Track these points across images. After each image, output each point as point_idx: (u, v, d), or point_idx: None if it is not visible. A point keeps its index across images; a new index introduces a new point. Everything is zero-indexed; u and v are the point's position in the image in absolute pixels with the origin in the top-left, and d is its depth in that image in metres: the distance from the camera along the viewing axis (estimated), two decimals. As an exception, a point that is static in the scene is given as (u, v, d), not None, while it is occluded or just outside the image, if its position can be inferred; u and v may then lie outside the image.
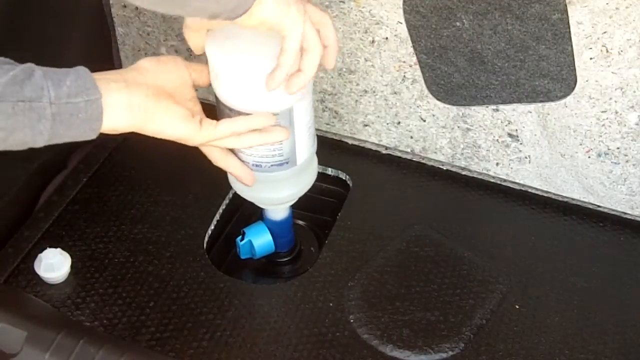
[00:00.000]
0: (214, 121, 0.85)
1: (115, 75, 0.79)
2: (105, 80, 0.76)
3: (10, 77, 0.69)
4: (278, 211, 1.06)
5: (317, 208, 1.22)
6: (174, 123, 0.81)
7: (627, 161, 1.09)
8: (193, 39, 0.86)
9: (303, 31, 0.80)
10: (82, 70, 0.75)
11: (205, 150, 0.90)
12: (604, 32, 0.97)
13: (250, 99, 0.87)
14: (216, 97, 0.90)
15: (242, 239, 1.09)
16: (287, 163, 0.93)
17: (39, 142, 0.72)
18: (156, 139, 0.84)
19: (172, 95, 0.82)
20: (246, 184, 0.93)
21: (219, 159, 0.91)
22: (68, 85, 0.72)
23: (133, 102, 0.77)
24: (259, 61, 0.84)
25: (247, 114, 0.87)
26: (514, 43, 1.03)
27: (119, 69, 0.83)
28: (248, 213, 1.19)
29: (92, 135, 0.76)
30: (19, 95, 0.69)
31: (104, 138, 0.78)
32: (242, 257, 1.10)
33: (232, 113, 0.88)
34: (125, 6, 1.23)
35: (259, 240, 1.08)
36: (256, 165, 0.93)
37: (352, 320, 1.00)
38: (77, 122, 0.73)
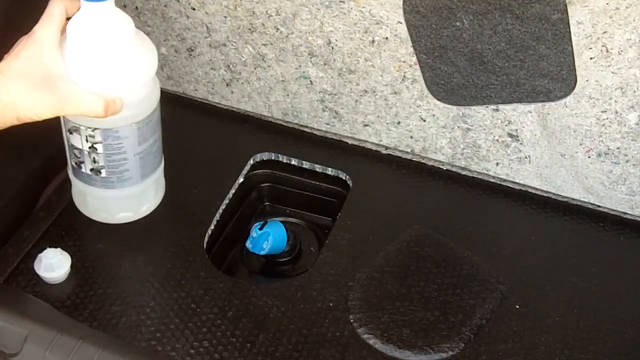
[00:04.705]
0: None
1: None
2: None
3: None
4: None
5: (317, 208, 1.22)
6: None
7: (627, 161, 1.09)
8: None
9: None
10: None
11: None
12: (604, 32, 0.97)
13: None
14: None
15: (261, 228, 1.11)
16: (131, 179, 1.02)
17: None
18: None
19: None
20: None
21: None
22: None
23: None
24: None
25: None
26: (514, 43, 1.03)
27: None
28: (248, 213, 1.19)
29: None
30: None
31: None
32: (251, 249, 1.11)
33: None
34: (125, 6, 1.23)
35: (276, 234, 1.11)
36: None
37: (352, 320, 1.00)
38: None
